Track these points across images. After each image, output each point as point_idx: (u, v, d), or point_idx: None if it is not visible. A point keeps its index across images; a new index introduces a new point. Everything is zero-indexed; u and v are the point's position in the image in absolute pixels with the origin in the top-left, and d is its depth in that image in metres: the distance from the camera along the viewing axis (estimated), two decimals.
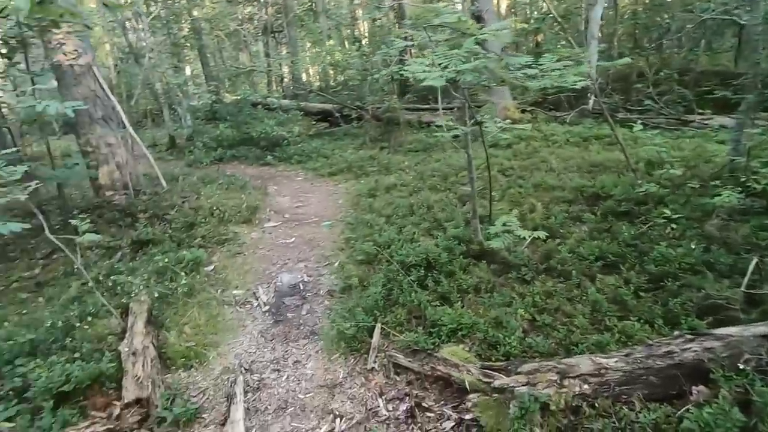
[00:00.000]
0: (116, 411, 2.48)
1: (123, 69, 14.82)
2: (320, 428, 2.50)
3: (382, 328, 3.16)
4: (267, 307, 3.87)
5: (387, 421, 2.47)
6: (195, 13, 16.11)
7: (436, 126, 5.57)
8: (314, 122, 13.50)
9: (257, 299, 4.00)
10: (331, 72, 16.05)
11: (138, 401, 2.55)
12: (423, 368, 2.71)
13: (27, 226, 3.04)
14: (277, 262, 4.77)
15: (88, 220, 4.82)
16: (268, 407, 2.69)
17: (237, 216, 5.78)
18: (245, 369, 3.05)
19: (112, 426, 2.41)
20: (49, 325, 3.20)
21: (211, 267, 4.50)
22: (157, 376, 2.85)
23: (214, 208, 5.78)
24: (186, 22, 15.05)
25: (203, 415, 2.64)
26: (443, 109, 10.05)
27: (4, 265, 4.56)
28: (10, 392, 2.57)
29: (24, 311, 3.53)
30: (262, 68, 15.69)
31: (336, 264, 4.50)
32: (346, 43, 19.86)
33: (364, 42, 21.70)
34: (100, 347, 3.06)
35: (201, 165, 9.78)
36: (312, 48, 18.15)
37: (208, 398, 2.80)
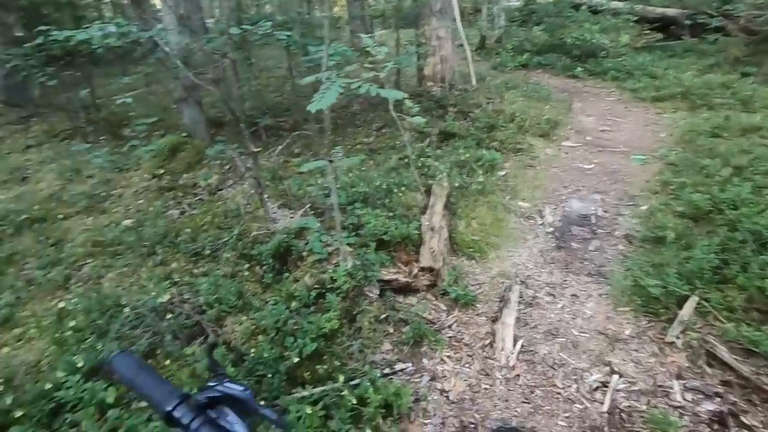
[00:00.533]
0: (414, 270, 2.95)
1: None
2: (591, 374, 2.30)
3: (700, 303, 2.51)
4: (551, 229, 3.67)
5: (682, 411, 2.04)
6: None
7: None
8: (646, 31, 10.93)
9: (542, 218, 3.84)
10: None
11: (430, 270, 2.94)
12: (758, 378, 2.03)
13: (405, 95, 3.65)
14: (569, 185, 4.38)
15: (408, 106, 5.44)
16: (538, 327, 2.65)
17: (535, 127, 5.49)
18: (521, 281, 3.06)
19: (409, 281, 2.89)
20: (377, 184, 3.96)
21: (503, 172, 4.52)
22: (447, 255, 3.19)
23: (515, 114, 5.64)
24: None
25: (477, 305, 2.84)
26: None
27: (352, 130, 5.87)
28: (350, 225, 3.38)
29: (363, 168, 4.50)
30: None
31: (644, 207, 3.77)
32: None
33: None
34: (407, 214, 3.62)
35: (505, 69, 9.61)
36: None
37: (483, 292, 2.98)
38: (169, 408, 0.69)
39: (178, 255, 3.30)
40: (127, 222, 3.76)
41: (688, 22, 9.18)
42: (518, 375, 2.32)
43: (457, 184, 3.98)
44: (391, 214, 3.52)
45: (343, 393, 1.99)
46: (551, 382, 2.27)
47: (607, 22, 9.36)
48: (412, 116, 3.77)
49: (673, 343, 2.38)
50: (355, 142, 5.41)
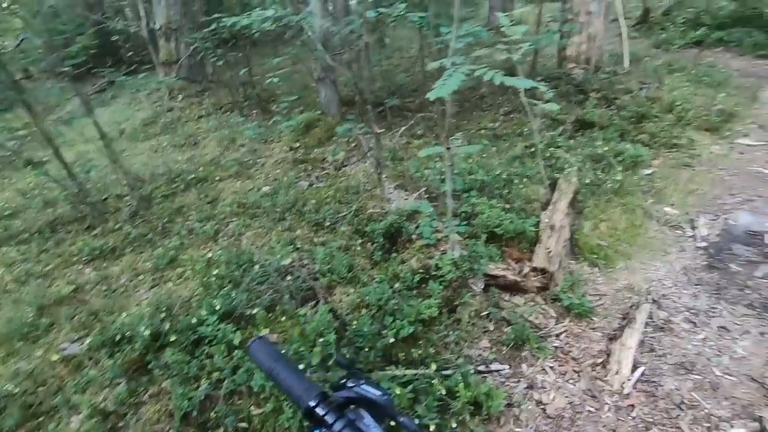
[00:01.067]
0: (525, 269, 2.77)
1: None
2: (732, 425, 1.92)
3: None
4: (704, 244, 3.08)
5: None
6: None
7: None
8: None
9: (693, 229, 3.24)
10: None
11: (543, 271, 2.74)
12: None
13: (534, 83, 3.43)
14: (738, 193, 3.59)
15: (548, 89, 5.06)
16: (667, 356, 2.29)
17: (701, 119, 4.58)
18: (653, 300, 2.65)
19: (518, 279, 2.73)
20: (497, 173, 3.78)
21: (650, 171, 3.91)
22: (565, 258, 2.92)
23: (675, 103, 4.78)
24: None
25: (593, 318, 2.56)
26: None
27: (477, 114, 5.66)
28: (463, 214, 3.31)
29: (483, 155, 4.33)
30: None
31: None
32: None
33: None
34: (526, 208, 3.39)
35: (672, 47, 8.16)
36: None
37: (602, 304, 2.68)
38: (312, 404, 0.70)
39: (303, 223, 3.64)
40: (266, 189, 4.27)
41: None
42: (632, 406, 2.05)
43: (588, 181, 3.58)
44: (508, 206, 3.35)
45: (433, 381, 2.01)
46: (675, 424, 1.96)
47: None
48: (545, 102, 3.47)
49: None
50: (480, 126, 5.21)
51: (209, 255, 3.21)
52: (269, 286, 2.75)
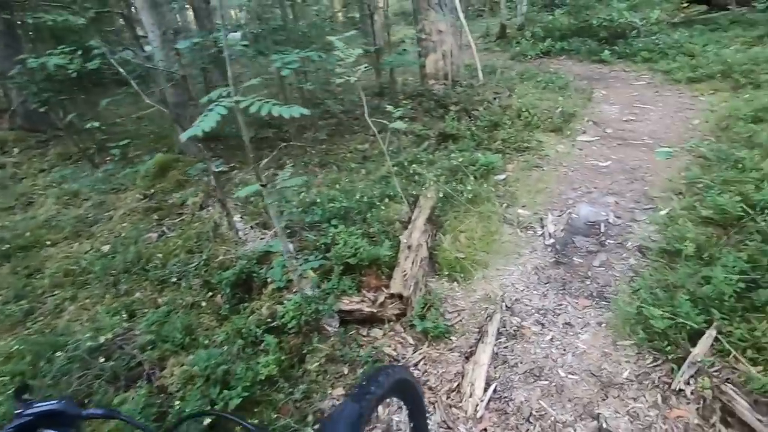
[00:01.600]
0: (381, 298, 2.63)
1: None
2: (574, 430, 1.90)
3: (717, 338, 2.03)
4: (551, 241, 3.22)
5: None
6: None
7: None
8: (685, 4, 9.90)
9: (543, 227, 3.39)
10: None
11: (400, 296, 2.62)
12: None
13: (307, 112, 3.35)
14: (579, 187, 3.88)
15: (409, 107, 5.13)
16: (518, 365, 2.26)
17: (546, 122, 4.97)
18: (506, 306, 2.66)
19: (374, 311, 2.57)
20: (358, 197, 3.67)
21: (503, 176, 4.09)
22: (422, 278, 2.84)
23: (523, 109, 5.15)
24: None
25: (451, 338, 2.48)
26: None
27: (349, 137, 5.60)
28: (322, 246, 3.11)
29: (348, 180, 4.22)
30: None
31: (663, 212, 3.23)
32: None
33: None
34: (387, 230, 3.30)
35: (525, 58, 9.00)
36: None
37: (461, 320, 2.62)
38: None
39: (146, 283, 3.17)
40: (105, 248, 3.70)
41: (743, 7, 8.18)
42: (485, 430, 1.96)
43: (446, 194, 3.61)
44: (369, 230, 3.22)
45: None
46: None
47: None
48: (393, 121, 3.44)
49: (681, 391, 1.92)
50: (350, 149, 5.14)
51: (13, 344, 2.61)
52: (82, 372, 2.27)
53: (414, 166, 4.25)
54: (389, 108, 3.51)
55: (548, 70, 7.57)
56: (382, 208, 3.53)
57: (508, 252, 3.17)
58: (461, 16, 5.73)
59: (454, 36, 5.92)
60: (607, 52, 7.92)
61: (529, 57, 9.02)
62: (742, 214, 2.70)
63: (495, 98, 5.57)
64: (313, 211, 3.47)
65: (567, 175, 4.11)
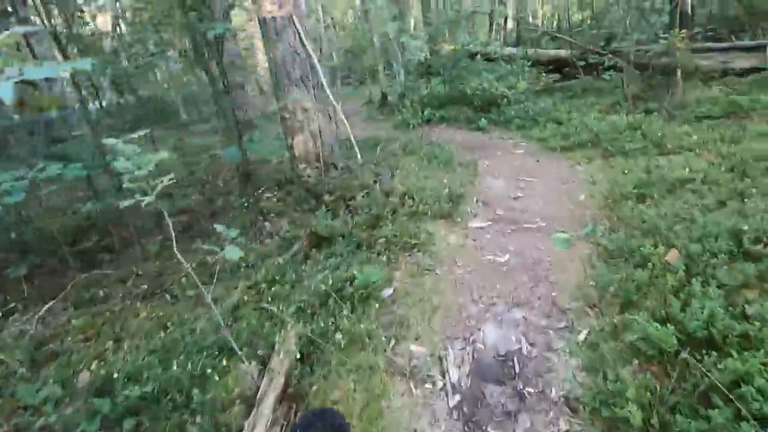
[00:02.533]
0: None
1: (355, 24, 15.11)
2: None
3: None
4: (456, 399, 2.34)
5: None
6: None
7: None
8: (543, 73, 10.84)
9: (444, 375, 2.52)
10: (574, 8, 12.45)
11: None
12: None
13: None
14: (480, 297, 3.16)
15: (275, 199, 4.11)
16: None
17: (434, 207, 4.35)
18: None
19: None
20: (183, 358, 2.47)
21: (390, 292, 3.23)
22: None
23: (408, 193, 4.50)
24: None
25: None
26: None
27: (201, 241, 4.39)
28: None
29: (178, 322, 2.99)
30: (484, 10, 13.50)
31: (582, 336, 2.59)
32: None
33: None
34: (223, 419, 2.14)
35: (408, 127, 8.80)
36: None
37: None
38: None
39: None
40: None
41: (581, 63, 9.00)
42: None
43: (310, 337, 2.59)
44: (192, 422, 2.03)
45: None
46: None
47: (503, 69, 8.96)
48: (223, 250, 2.40)
49: None
50: (191, 264, 3.92)
51: None
52: None
53: (275, 288, 3.21)
54: (219, 228, 2.47)
55: (431, 141, 7.32)
56: (217, 377, 2.37)
57: (401, 426, 2.20)
58: (329, 92, 5.08)
59: (324, 113, 5.22)
60: (484, 120, 8.00)
61: (412, 126, 8.86)
62: (676, 347, 2.10)
63: (376, 181, 4.88)
64: (93, 409, 2.17)
65: (464, 280, 3.40)
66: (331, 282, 3.00)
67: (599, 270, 3.04)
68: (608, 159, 5.39)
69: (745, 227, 2.90)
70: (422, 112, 9.20)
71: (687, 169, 4.17)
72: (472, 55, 10.27)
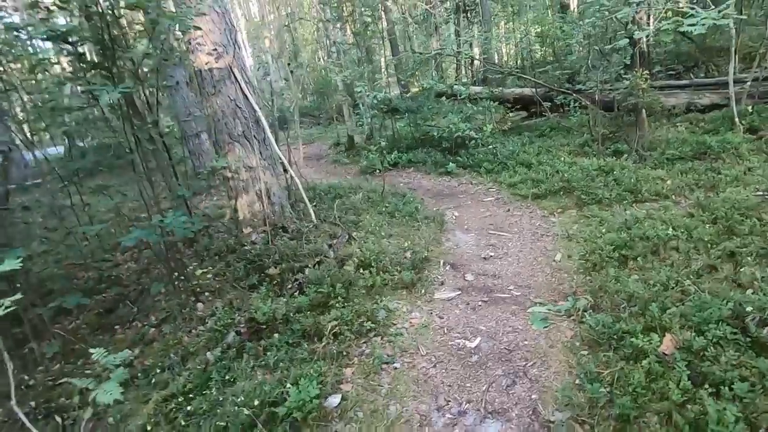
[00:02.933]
0: None
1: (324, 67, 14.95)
2: None
3: None
4: None
5: None
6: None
7: None
8: (510, 111, 10.77)
9: None
10: (536, 47, 12.64)
11: None
12: None
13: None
14: (447, 403, 2.59)
15: (210, 274, 3.56)
16: None
17: (395, 276, 3.82)
18: None
19: None
20: None
21: (336, 400, 2.62)
22: None
23: (366, 261, 3.97)
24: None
25: None
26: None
27: (119, 329, 3.70)
28: None
29: None
30: (450, 51, 13.58)
31: None
32: (549, 13, 16.10)
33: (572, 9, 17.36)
34: None
35: (374, 172, 8.41)
36: (508, 22, 15.04)
37: None
38: None
39: None
40: None
41: (547, 104, 8.92)
42: None
43: None
44: None
45: None
46: None
47: (470, 109, 8.76)
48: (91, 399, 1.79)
49: None
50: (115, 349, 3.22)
51: None
52: None
53: (195, 402, 2.56)
54: (96, 355, 1.86)
55: (396, 189, 6.90)
56: None
57: None
58: (276, 148, 4.60)
59: (274, 170, 4.72)
60: (452, 164, 7.67)
61: (378, 171, 8.47)
62: None
63: (331, 245, 4.34)
64: None
65: (428, 376, 2.83)
66: (257, 402, 2.38)
67: (585, 366, 2.53)
68: (582, 208, 5.04)
69: (749, 308, 2.47)
70: (389, 155, 8.85)
71: (668, 226, 3.81)
72: (439, 95, 10.14)
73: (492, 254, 4.41)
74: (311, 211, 4.69)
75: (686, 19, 4.40)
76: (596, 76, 7.65)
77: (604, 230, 4.16)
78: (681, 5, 8.07)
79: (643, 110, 6.55)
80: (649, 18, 5.90)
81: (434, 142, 8.71)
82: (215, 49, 4.17)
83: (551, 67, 9.53)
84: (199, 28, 3.93)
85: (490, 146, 7.93)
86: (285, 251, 4.10)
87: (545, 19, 10.60)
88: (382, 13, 18.89)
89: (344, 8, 10.69)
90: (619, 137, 6.85)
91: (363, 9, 10.74)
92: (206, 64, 4.20)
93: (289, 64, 7.56)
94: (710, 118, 7.19)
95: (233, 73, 4.27)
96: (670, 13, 6.27)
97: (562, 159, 6.55)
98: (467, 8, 18.56)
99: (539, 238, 4.59)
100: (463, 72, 18.90)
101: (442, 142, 8.48)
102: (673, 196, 4.82)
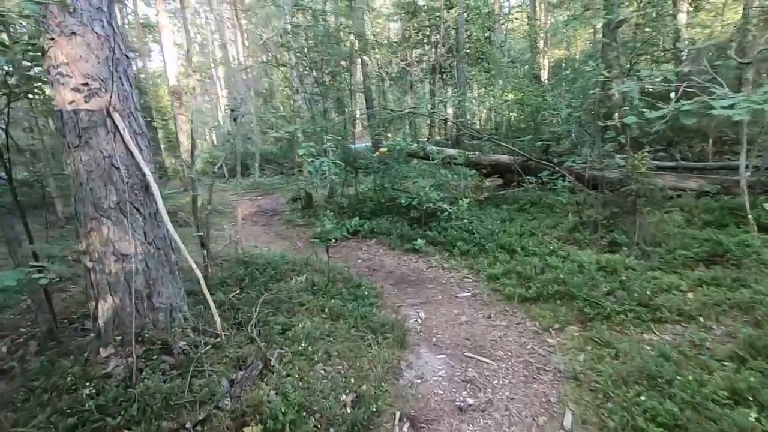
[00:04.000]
0: None
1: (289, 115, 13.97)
2: None
3: None
4: None
5: None
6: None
7: None
8: (485, 179, 9.92)
9: None
10: (513, 114, 12.12)
11: None
12: None
13: None
14: None
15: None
16: None
17: None
18: None
19: None
20: None
21: None
22: None
23: (279, 422, 2.51)
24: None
25: None
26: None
27: None
28: None
29: None
30: (425, 110, 12.92)
31: None
32: (526, 81, 16.14)
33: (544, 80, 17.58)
34: None
35: (330, 242, 7.08)
36: (486, 84, 14.74)
37: None
38: None
39: None
40: None
41: (530, 179, 8.05)
42: None
43: None
44: None
45: None
46: None
47: (443, 177, 7.73)
48: None
49: None
50: None
51: None
52: None
53: None
54: None
55: (351, 269, 5.58)
56: None
57: None
58: (170, 228, 3.20)
59: (166, 258, 3.29)
60: (420, 240, 6.45)
61: (334, 241, 7.15)
62: None
63: (234, 383, 2.85)
64: None
65: None
66: None
67: None
68: (586, 325, 3.84)
69: None
70: (350, 220, 7.57)
71: (715, 377, 2.61)
72: (411, 155, 9.14)
73: (471, 401, 3.04)
74: (217, 319, 3.23)
75: (715, 100, 3.51)
76: (584, 152, 6.85)
77: (625, 373, 2.92)
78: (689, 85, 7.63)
79: (638, 197, 5.66)
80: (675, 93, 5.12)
81: (401, 209, 7.55)
82: (86, 84, 2.85)
83: (531, 137, 8.79)
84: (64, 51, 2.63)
85: (465, 220, 6.82)
86: (153, 398, 2.58)
87: (523, 86, 10.05)
88: (358, 65, 18.58)
89: (309, 57, 9.81)
90: (613, 225, 5.89)
91: (331, 58, 9.92)
92: (70, 103, 2.85)
93: (232, 110, 6.32)
94: (704, 206, 6.40)
95: (111, 118, 2.94)
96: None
97: (552, 247, 5.46)
98: (443, 70, 18.49)
99: (535, 375, 3.29)
100: (437, 131, 18.46)
101: (411, 210, 7.33)
102: (701, 318, 3.71)
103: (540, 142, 8.28)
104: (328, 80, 9.21)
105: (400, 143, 7.54)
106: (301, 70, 10.31)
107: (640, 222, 5.41)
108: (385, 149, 8.19)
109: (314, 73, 9.38)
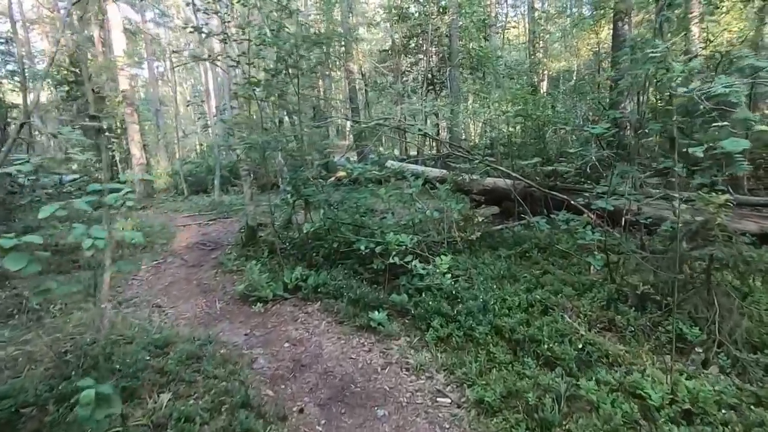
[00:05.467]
0: None
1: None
2: None
3: None
4: None
5: None
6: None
7: None
8: (477, 204, 7.89)
9: None
10: (513, 129, 10.09)
11: None
12: None
13: None
14: None
15: None
16: None
17: None
18: None
19: None
20: None
21: None
22: None
23: None
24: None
25: None
26: None
27: None
28: None
29: None
30: (413, 130, 10.90)
31: None
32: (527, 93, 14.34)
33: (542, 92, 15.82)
34: None
35: (257, 304, 4.99)
36: (480, 91, 12.80)
37: None
38: None
39: None
40: None
41: (537, 216, 6.02)
42: None
43: None
44: None
45: None
46: None
47: (419, 213, 5.66)
48: None
49: None
50: None
51: None
52: None
53: None
54: None
55: (267, 365, 3.47)
56: None
57: None
58: None
59: None
60: (381, 314, 4.33)
61: (264, 302, 5.08)
62: None
63: None
64: None
65: None
66: None
67: None
68: None
69: None
70: (293, 270, 5.47)
71: None
72: (385, 179, 7.04)
73: None
74: None
75: None
76: (612, 181, 4.82)
77: None
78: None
79: (713, 260, 3.60)
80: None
81: (359, 258, 5.47)
82: None
83: (537, 159, 6.76)
84: None
85: (448, 278, 4.73)
86: None
87: (526, 95, 8.08)
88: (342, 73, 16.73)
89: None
90: (671, 301, 3.83)
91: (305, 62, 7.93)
92: None
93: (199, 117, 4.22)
94: None
95: None
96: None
97: (580, 342, 3.40)
98: (435, 80, 16.64)
99: None
100: (426, 146, 16.51)
101: (373, 261, 5.25)
102: None
103: (550, 166, 6.28)
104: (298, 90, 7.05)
105: (356, 167, 5.46)
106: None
107: (724, 306, 3.36)
108: (343, 173, 6.12)
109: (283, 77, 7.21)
